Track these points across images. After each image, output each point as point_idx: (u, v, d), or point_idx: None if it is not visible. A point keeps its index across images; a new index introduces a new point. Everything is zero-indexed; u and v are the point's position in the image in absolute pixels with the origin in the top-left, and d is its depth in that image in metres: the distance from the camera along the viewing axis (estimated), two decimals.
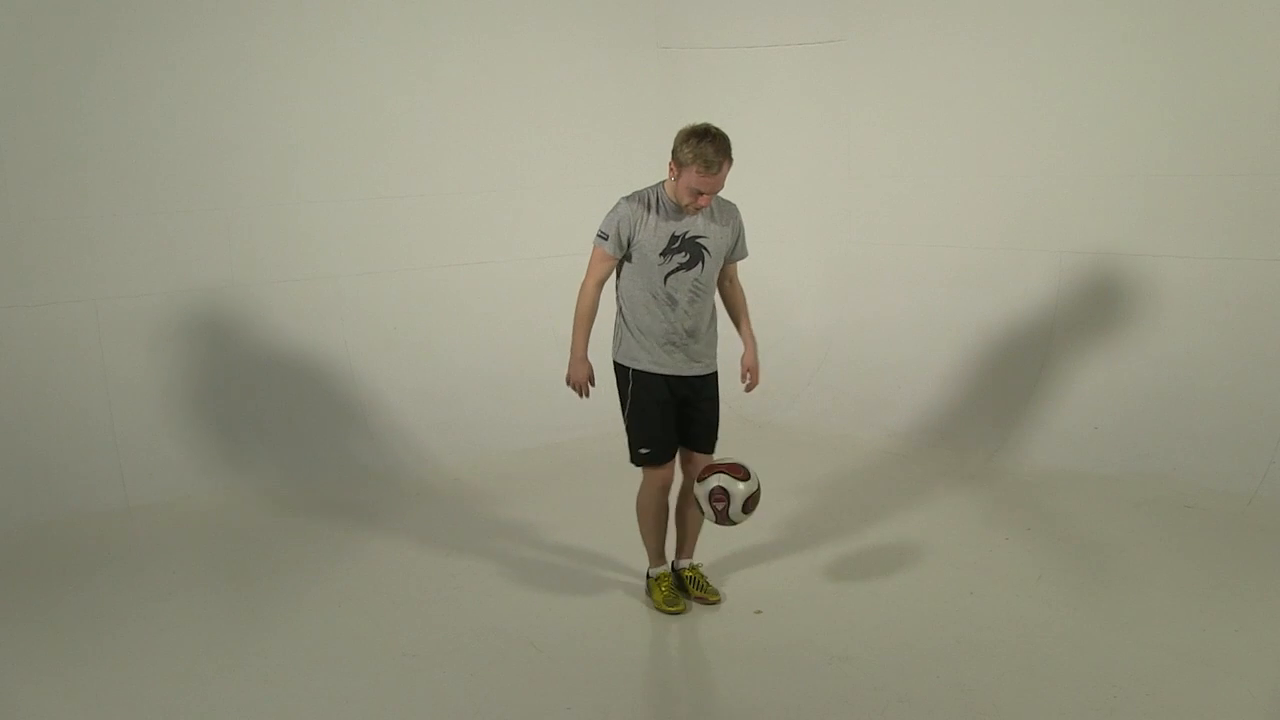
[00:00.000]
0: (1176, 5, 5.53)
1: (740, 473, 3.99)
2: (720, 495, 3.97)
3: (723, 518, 3.99)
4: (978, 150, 6.40)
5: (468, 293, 6.49)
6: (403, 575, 4.66)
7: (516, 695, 3.64)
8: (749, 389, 4.30)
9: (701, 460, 4.18)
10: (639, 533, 4.27)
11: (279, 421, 5.83)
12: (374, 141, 6.20)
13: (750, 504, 4.00)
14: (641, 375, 4.07)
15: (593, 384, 4.13)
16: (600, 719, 3.51)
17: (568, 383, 4.14)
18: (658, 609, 4.19)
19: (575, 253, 6.36)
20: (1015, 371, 6.13)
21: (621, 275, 4.09)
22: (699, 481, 4.04)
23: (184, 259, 5.72)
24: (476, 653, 3.94)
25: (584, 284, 4.07)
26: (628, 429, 4.13)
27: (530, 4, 6.62)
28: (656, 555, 4.27)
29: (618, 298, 4.12)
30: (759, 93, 7.01)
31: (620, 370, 4.13)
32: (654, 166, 6.86)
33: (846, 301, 7.00)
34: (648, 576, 4.31)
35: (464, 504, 5.52)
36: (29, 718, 3.58)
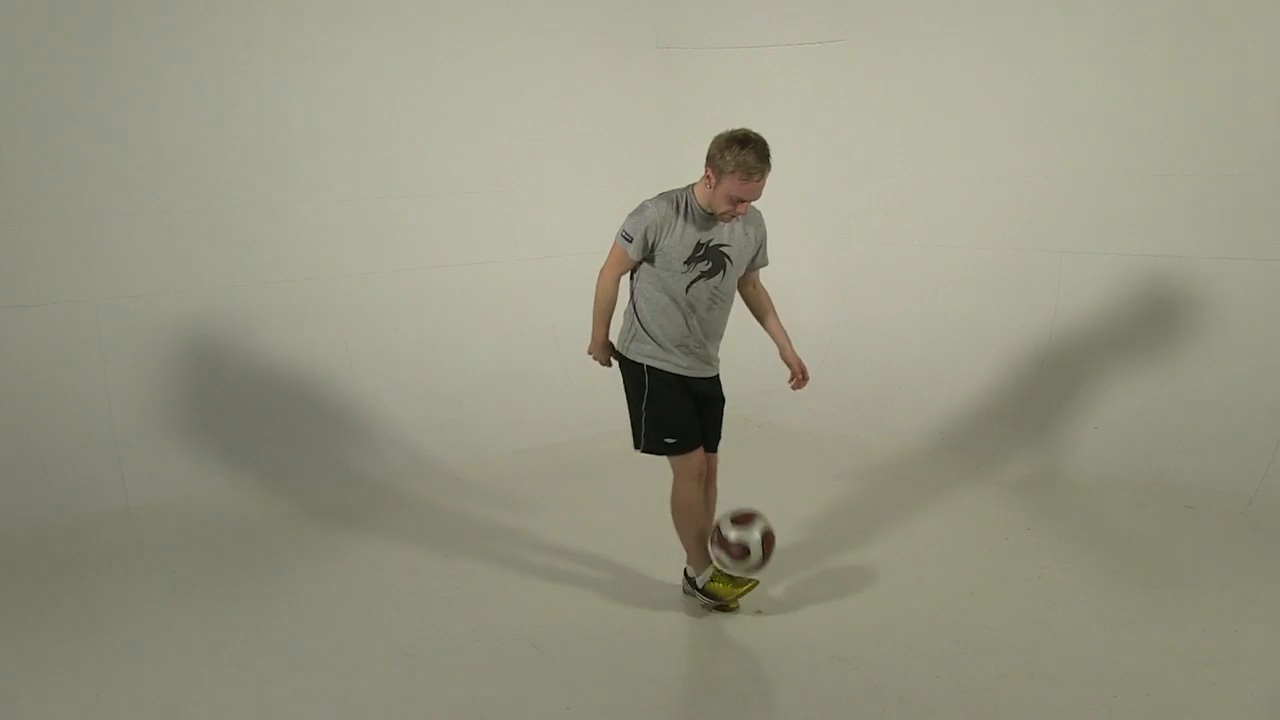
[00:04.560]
0: (1177, 6, 5.54)
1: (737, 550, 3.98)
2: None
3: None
4: (978, 150, 6.40)
5: (468, 293, 6.49)
6: (402, 575, 4.66)
7: (516, 695, 3.64)
8: (797, 386, 4.26)
9: (709, 459, 4.16)
10: (678, 538, 4.16)
11: (279, 421, 5.83)
12: (373, 141, 6.20)
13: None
14: (656, 370, 4.03)
15: (614, 360, 4.13)
16: (600, 719, 3.51)
17: (589, 352, 4.15)
18: (735, 599, 4.08)
19: (575, 252, 6.38)
20: (1015, 371, 6.13)
21: (639, 275, 4.01)
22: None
23: (184, 259, 5.71)
24: (476, 653, 3.94)
25: (603, 276, 4.01)
26: (645, 421, 4.04)
27: (530, 4, 6.62)
28: (703, 558, 4.13)
29: (632, 293, 4.06)
30: (759, 93, 7.01)
31: (632, 366, 4.07)
32: (653, 167, 6.92)
33: (847, 301, 7.00)
34: (697, 589, 4.16)
35: (464, 504, 5.52)
36: (29, 718, 3.58)
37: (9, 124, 5.23)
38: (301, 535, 5.16)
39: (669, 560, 4.30)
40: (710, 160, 3.81)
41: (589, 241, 6.60)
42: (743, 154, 3.73)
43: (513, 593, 4.45)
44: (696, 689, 3.90)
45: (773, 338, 4.29)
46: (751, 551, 3.94)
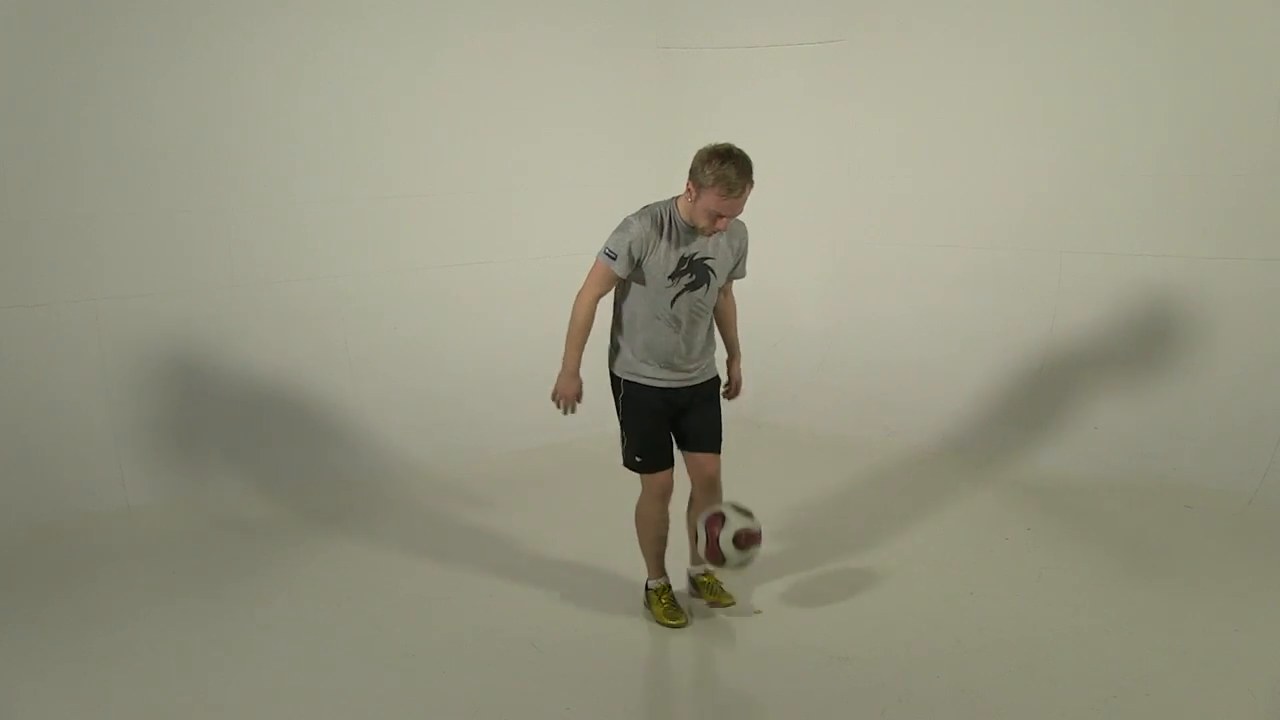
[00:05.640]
0: (1177, 5, 5.54)
1: (744, 511, 3.97)
2: (716, 519, 3.92)
3: (713, 549, 3.91)
4: (978, 150, 6.40)
5: (467, 293, 6.49)
6: (402, 575, 4.66)
7: (516, 695, 3.64)
8: (729, 398, 4.27)
9: (709, 462, 4.14)
10: (638, 543, 4.21)
11: (278, 422, 5.83)
12: (374, 141, 6.20)
13: (743, 540, 3.89)
14: (634, 385, 4.02)
15: (579, 400, 4.01)
16: (600, 719, 3.51)
17: (553, 397, 4.02)
18: (658, 622, 4.13)
19: (575, 252, 6.34)
20: (1015, 371, 6.13)
21: (623, 292, 3.98)
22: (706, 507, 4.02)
23: (184, 259, 5.71)
24: (476, 653, 3.94)
25: (582, 297, 3.92)
26: (622, 436, 4.09)
27: (530, 4, 6.62)
28: (656, 567, 4.21)
29: (616, 311, 4.04)
30: (759, 93, 7.00)
31: (613, 380, 4.09)
32: (653, 167, 6.91)
33: (846, 301, 7.00)
34: (646, 588, 4.24)
35: (463, 504, 5.52)
36: (29, 718, 3.58)
37: (9, 124, 5.22)
38: (301, 535, 5.16)
39: (669, 561, 4.29)
40: (692, 174, 3.78)
41: (588, 242, 6.54)
42: (723, 169, 3.69)
43: (512, 593, 4.45)
44: (696, 689, 3.90)
45: (726, 347, 4.30)
46: (753, 534, 3.92)
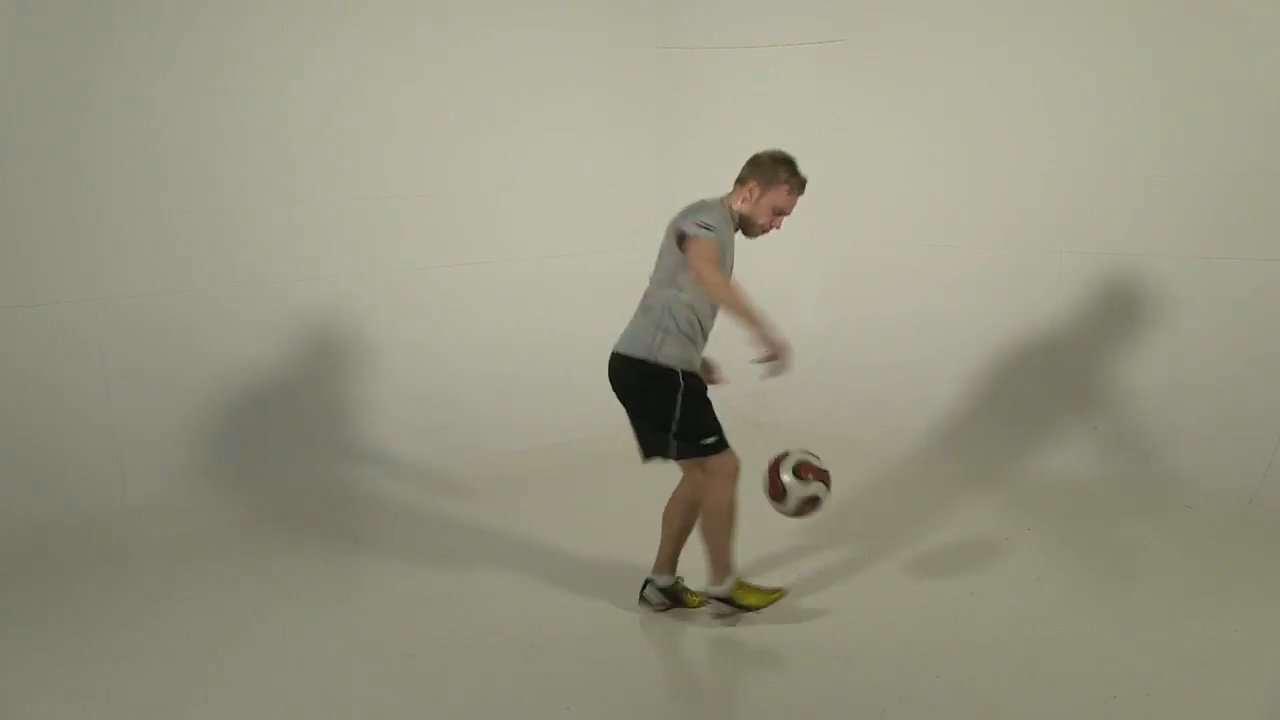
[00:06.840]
0: (1177, 5, 5.54)
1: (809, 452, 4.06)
2: (779, 457, 4.03)
3: (774, 480, 3.97)
4: (978, 150, 6.40)
5: (467, 293, 6.49)
6: (402, 575, 4.66)
7: (516, 695, 3.64)
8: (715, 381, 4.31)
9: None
10: (710, 543, 4.04)
11: (279, 421, 5.83)
12: (374, 141, 6.19)
13: (804, 471, 4.00)
14: (690, 374, 4.03)
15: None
16: (600, 719, 3.51)
17: (769, 356, 3.78)
18: (762, 608, 4.10)
19: (575, 252, 6.38)
20: (1015, 371, 6.13)
21: (681, 283, 3.94)
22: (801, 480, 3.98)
23: (184, 259, 5.71)
24: (476, 653, 3.94)
25: (714, 278, 3.75)
26: (679, 425, 3.95)
27: (530, 4, 6.62)
28: (730, 561, 4.08)
29: (668, 301, 3.97)
30: (759, 93, 7.00)
31: (665, 372, 3.96)
32: (653, 167, 6.92)
33: (846, 301, 7.00)
34: (719, 597, 4.11)
35: (463, 504, 5.52)
36: (29, 718, 3.58)
37: (9, 124, 5.22)
38: (301, 535, 5.16)
39: (652, 557, 4.28)
40: (758, 172, 4.00)
41: (588, 242, 6.60)
42: (792, 171, 4.04)
43: (513, 593, 4.45)
44: (696, 689, 3.90)
45: None
46: (788, 497, 3.94)
